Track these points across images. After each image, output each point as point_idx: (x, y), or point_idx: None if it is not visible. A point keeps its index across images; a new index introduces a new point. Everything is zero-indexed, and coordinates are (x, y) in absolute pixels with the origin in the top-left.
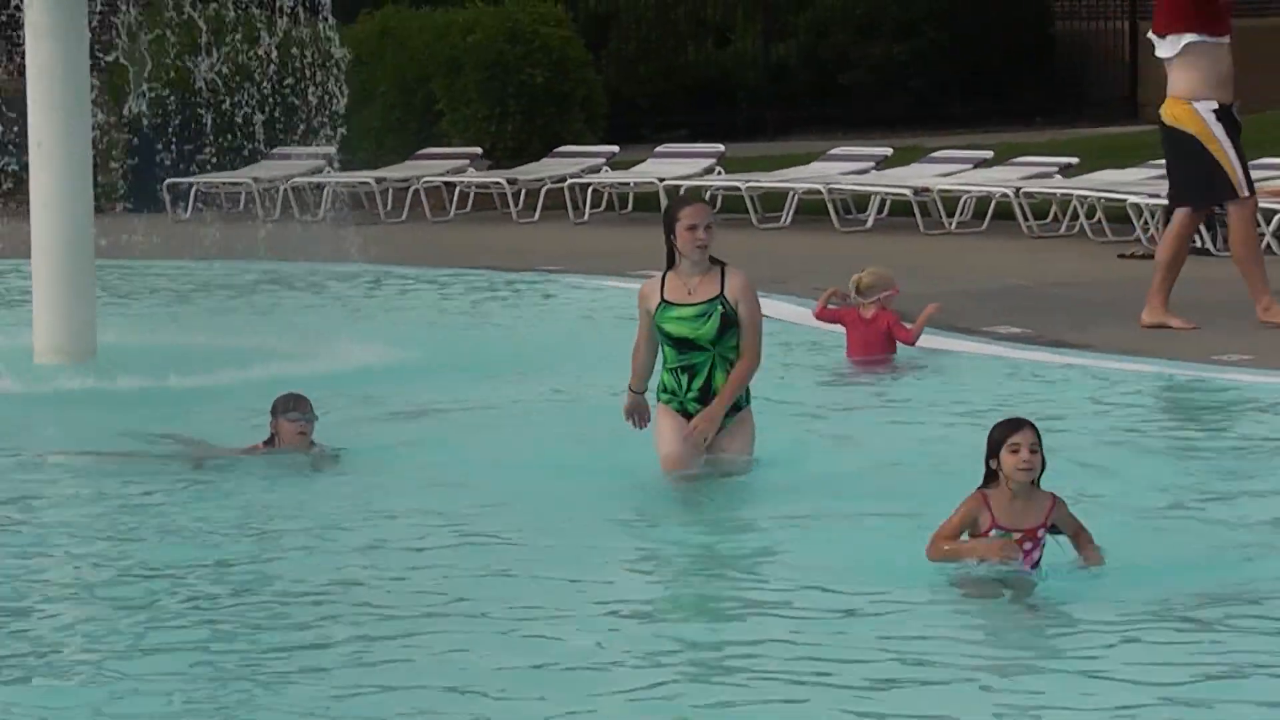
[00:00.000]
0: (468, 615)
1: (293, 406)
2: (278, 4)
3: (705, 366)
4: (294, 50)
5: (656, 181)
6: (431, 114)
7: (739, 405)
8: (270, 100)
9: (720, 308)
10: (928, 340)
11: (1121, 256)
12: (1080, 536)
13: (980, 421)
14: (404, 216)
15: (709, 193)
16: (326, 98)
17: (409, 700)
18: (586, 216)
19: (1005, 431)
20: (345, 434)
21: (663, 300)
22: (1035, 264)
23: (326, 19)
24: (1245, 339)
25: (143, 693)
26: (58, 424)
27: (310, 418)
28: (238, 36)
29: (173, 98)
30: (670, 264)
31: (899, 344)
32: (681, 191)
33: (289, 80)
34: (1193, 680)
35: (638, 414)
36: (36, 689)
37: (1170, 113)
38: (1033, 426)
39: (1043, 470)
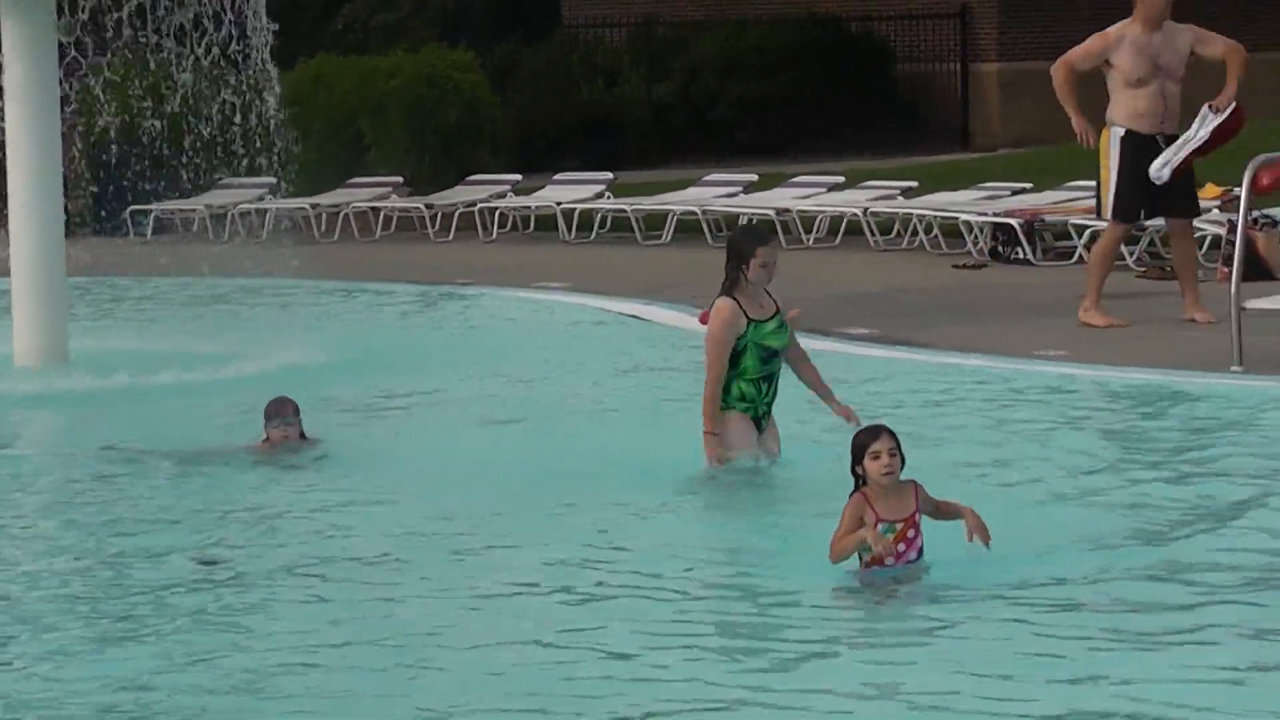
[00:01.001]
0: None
1: (275, 413)
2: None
3: (778, 372)
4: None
5: (554, 205)
6: (359, 147)
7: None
8: (220, 137)
9: (783, 317)
10: None
11: (955, 267)
12: (945, 507)
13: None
14: (336, 237)
15: (600, 214)
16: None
17: (408, 693)
18: (494, 236)
19: (866, 439)
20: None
21: (751, 320)
22: (882, 274)
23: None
24: (1063, 336)
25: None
26: (38, 420)
27: (292, 421)
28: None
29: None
30: (731, 289)
31: None
32: (576, 213)
33: (236, 120)
34: (1064, 655)
35: (720, 457)
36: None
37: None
38: (890, 432)
39: (902, 466)
